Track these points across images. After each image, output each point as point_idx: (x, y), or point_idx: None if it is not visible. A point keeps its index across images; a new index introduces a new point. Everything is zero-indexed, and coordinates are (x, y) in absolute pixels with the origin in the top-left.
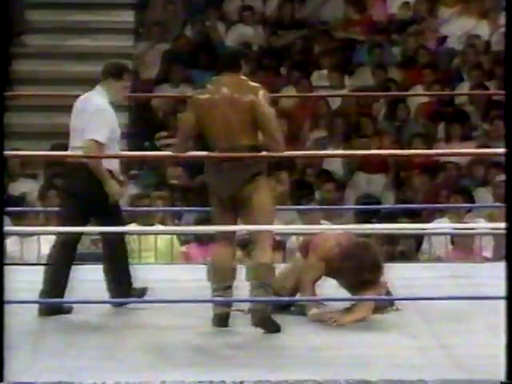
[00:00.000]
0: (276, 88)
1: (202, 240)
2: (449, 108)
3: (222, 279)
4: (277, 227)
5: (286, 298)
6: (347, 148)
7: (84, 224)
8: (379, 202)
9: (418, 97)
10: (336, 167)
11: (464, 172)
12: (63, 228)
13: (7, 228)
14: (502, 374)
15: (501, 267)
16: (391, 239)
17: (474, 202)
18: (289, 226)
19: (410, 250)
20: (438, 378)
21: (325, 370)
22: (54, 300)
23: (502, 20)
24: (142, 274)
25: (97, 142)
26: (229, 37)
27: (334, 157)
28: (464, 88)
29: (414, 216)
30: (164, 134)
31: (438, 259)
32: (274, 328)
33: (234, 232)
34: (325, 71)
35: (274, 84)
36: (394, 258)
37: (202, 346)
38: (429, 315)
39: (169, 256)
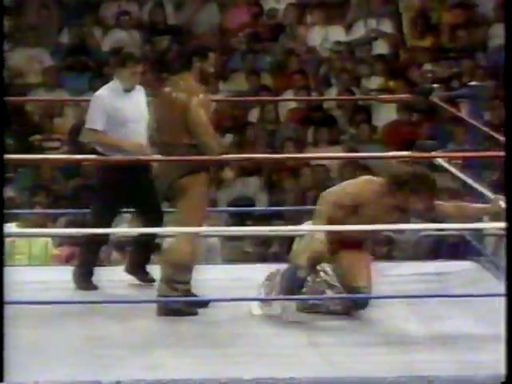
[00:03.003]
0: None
1: (76, 242)
2: (317, 113)
3: (185, 274)
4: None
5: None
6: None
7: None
8: (253, 204)
9: (289, 102)
10: None
11: (333, 174)
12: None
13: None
14: (373, 372)
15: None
16: (265, 241)
17: None
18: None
19: (282, 251)
20: (309, 376)
21: (205, 368)
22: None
23: (363, 27)
24: (13, 276)
25: (92, 129)
26: (105, 41)
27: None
28: (332, 93)
29: (286, 218)
30: (39, 137)
31: None
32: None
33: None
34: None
35: (152, 87)
36: (267, 259)
37: (79, 346)
38: (303, 314)
39: (43, 259)
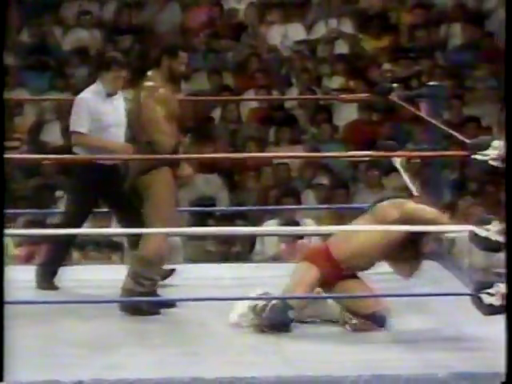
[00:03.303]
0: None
1: (35, 242)
2: (279, 112)
3: (152, 271)
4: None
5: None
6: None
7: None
8: (214, 204)
9: (251, 101)
10: None
11: (294, 174)
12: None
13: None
14: (335, 371)
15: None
16: (227, 240)
17: (301, 203)
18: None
19: (244, 250)
20: (270, 375)
21: (167, 367)
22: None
23: (324, 27)
24: None
25: (77, 132)
26: (66, 41)
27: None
28: (293, 92)
29: (248, 217)
30: None
31: (271, 259)
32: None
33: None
34: None
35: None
36: (229, 258)
37: (40, 346)
38: None
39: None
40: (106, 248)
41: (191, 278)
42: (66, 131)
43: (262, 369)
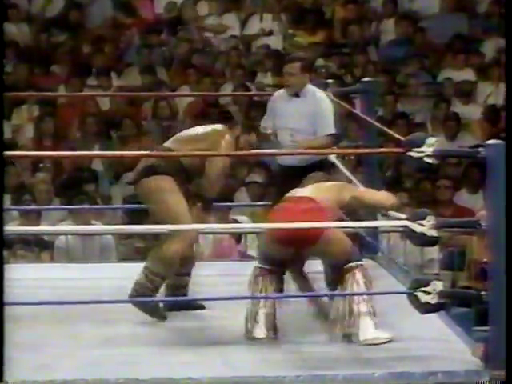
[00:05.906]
0: (47, 87)
1: None
2: (214, 108)
3: (169, 273)
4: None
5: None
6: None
7: None
8: None
9: (186, 97)
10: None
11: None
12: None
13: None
14: (271, 371)
15: None
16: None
17: (232, 200)
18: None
19: None
20: (207, 376)
21: (102, 367)
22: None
23: (259, 22)
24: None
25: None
26: None
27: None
28: (227, 88)
29: None
30: None
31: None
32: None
33: None
34: (94, 70)
35: (44, 83)
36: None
37: None
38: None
39: None
40: (36, 247)
41: (124, 277)
42: None
43: (198, 369)
